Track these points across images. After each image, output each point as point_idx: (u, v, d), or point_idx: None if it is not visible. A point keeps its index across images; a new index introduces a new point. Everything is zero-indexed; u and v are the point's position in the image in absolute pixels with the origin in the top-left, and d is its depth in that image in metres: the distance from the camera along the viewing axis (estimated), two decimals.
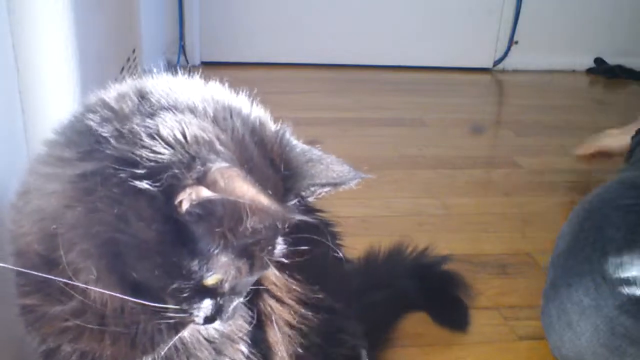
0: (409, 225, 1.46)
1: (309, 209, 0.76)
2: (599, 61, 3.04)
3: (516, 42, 2.96)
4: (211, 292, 0.51)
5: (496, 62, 3.00)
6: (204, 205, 0.46)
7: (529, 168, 1.86)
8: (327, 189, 0.58)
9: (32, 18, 0.85)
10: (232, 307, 0.54)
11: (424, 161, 1.87)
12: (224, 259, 0.49)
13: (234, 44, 2.71)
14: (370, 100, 2.46)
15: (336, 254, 0.77)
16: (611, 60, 3.01)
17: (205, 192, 0.46)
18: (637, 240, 0.93)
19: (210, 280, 0.50)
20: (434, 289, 1.11)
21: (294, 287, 0.66)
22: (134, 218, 0.46)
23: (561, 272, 1.00)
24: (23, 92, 0.86)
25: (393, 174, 1.76)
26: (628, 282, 0.91)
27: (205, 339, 0.59)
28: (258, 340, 0.63)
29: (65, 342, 0.54)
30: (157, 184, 0.46)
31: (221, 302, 0.53)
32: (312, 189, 0.57)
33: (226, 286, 0.52)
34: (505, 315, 1.15)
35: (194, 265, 0.48)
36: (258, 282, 0.61)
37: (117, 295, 0.49)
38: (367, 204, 1.56)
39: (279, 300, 0.65)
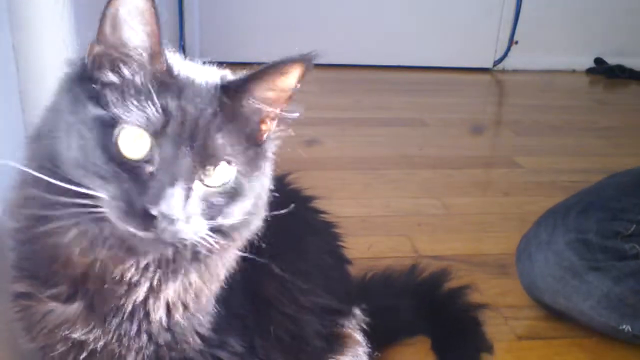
0: (408, 225, 1.46)
1: (313, 211, 0.77)
2: (599, 61, 3.04)
3: (516, 42, 2.97)
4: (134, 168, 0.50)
5: (496, 62, 3.00)
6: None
7: (529, 168, 1.86)
8: None
9: (32, 18, 0.85)
10: (164, 190, 0.50)
11: (424, 161, 1.87)
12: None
13: (234, 44, 2.70)
14: (370, 100, 2.46)
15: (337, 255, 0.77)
16: (611, 60, 3.01)
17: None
18: (607, 207, 1.09)
19: (122, 137, 0.50)
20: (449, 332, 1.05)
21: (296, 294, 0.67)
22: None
23: (541, 216, 1.16)
24: (23, 92, 0.86)
25: (393, 174, 1.76)
26: (581, 228, 1.06)
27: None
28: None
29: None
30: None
31: (150, 181, 0.50)
32: None
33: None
34: (505, 315, 1.15)
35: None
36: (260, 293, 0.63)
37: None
38: (367, 204, 1.56)
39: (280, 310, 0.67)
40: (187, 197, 0.51)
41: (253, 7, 2.70)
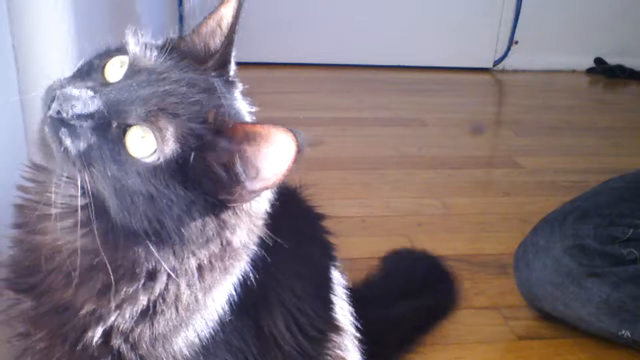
0: (408, 225, 1.46)
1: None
2: (599, 61, 3.04)
3: (516, 42, 2.96)
4: None
5: (496, 62, 3.00)
6: None
7: (529, 168, 1.86)
8: None
9: (32, 18, 0.85)
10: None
11: (424, 161, 1.87)
12: None
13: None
14: (370, 100, 2.46)
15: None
16: (611, 60, 3.01)
17: None
18: (604, 213, 1.09)
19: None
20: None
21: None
22: None
23: (537, 223, 1.16)
24: (23, 92, 0.86)
25: (393, 174, 1.76)
26: (578, 234, 1.07)
27: None
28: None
29: None
30: None
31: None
32: None
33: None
34: (505, 315, 1.15)
35: None
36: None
37: None
38: (367, 204, 1.56)
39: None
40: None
41: (253, 7, 2.69)
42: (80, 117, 0.49)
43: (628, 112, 2.53)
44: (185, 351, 0.58)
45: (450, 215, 1.54)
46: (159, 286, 0.54)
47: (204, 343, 0.58)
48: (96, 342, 0.55)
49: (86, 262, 0.53)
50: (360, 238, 1.36)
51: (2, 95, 0.83)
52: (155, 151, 0.49)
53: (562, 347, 1.08)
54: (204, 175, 0.51)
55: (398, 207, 1.56)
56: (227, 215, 0.53)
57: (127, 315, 0.55)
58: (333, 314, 0.72)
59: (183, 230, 0.51)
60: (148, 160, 0.49)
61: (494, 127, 2.37)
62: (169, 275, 0.53)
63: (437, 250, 1.22)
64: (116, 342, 0.55)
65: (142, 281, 0.53)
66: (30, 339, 0.57)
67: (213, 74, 0.56)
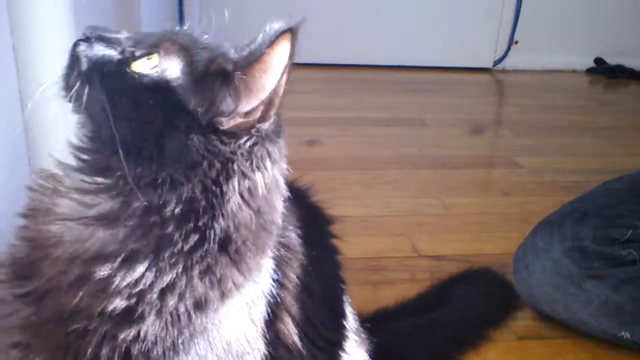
0: (408, 225, 1.46)
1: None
2: (599, 61, 3.04)
3: (516, 42, 2.97)
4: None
5: (496, 62, 3.00)
6: None
7: (529, 168, 1.85)
8: None
9: (32, 18, 0.85)
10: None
11: (424, 161, 1.87)
12: None
13: (234, 44, 2.70)
14: (370, 100, 2.46)
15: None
16: (611, 60, 3.01)
17: None
18: (603, 214, 1.09)
19: None
20: None
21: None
22: None
23: (536, 226, 1.16)
24: (23, 92, 0.86)
25: (393, 174, 1.76)
26: (577, 236, 1.06)
27: None
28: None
29: None
30: None
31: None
32: None
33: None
34: None
35: None
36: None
37: None
38: (367, 204, 1.56)
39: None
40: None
41: (253, 7, 2.69)
42: (100, 37, 0.54)
43: (628, 112, 2.53)
44: None
45: (450, 215, 1.54)
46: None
47: None
48: (104, 355, 0.51)
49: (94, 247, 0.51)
50: (360, 238, 1.36)
51: (2, 95, 0.83)
52: (156, 66, 0.52)
53: (562, 347, 1.08)
54: (197, 97, 0.52)
55: (398, 207, 1.55)
56: (218, 141, 0.52)
57: (147, 323, 0.51)
58: (345, 324, 0.72)
59: (163, 143, 0.51)
60: (147, 73, 0.52)
61: (494, 127, 2.37)
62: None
63: (437, 250, 1.22)
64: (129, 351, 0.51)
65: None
66: (29, 349, 0.54)
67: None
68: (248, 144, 0.52)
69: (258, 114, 0.52)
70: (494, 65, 3.00)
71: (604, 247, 1.06)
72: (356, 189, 1.64)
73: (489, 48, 2.97)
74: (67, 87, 0.54)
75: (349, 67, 2.80)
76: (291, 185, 0.70)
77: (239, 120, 0.52)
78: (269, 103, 0.52)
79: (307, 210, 0.71)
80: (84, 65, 0.53)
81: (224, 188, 0.51)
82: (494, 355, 1.04)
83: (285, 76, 0.52)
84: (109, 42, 0.54)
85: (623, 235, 1.06)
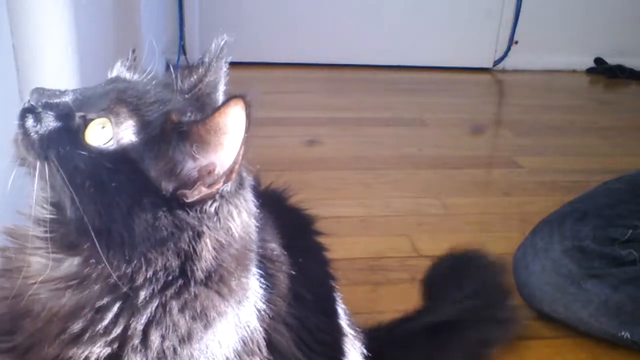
0: (408, 225, 1.46)
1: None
2: (599, 61, 3.04)
3: (516, 42, 2.96)
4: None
5: (496, 62, 3.00)
6: None
7: (529, 168, 1.86)
8: None
9: (32, 18, 0.85)
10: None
11: (424, 161, 1.87)
12: None
13: (233, 44, 2.70)
14: (370, 100, 2.46)
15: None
16: (611, 60, 3.01)
17: None
18: (603, 214, 1.10)
19: None
20: None
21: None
22: None
23: (536, 225, 1.16)
24: (23, 92, 0.86)
25: (393, 174, 1.76)
26: (577, 236, 1.07)
27: None
28: None
29: None
30: None
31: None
32: None
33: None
34: None
35: None
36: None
37: None
38: (367, 204, 1.55)
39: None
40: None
41: (253, 7, 2.69)
42: (47, 105, 0.52)
43: (628, 112, 2.53)
44: None
45: (450, 215, 1.54)
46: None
47: None
48: None
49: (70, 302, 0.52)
50: (360, 238, 1.36)
51: (2, 95, 0.83)
52: (111, 139, 0.50)
53: (562, 347, 1.08)
54: (157, 164, 0.51)
55: (398, 207, 1.55)
56: (184, 214, 0.51)
57: None
58: (338, 323, 0.71)
59: (132, 224, 0.50)
60: (104, 146, 0.51)
61: (494, 127, 2.37)
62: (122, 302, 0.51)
63: (437, 250, 1.21)
64: None
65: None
66: None
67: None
68: (214, 206, 0.52)
69: (221, 184, 0.51)
70: (494, 65, 3.00)
71: (604, 246, 1.06)
72: (356, 189, 1.64)
73: (489, 48, 2.97)
74: (24, 162, 0.53)
75: (349, 67, 2.80)
76: (267, 189, 0.70)
77: (203, 190, 0.51)
78: (229, 172, 0.51)
79: (286, 214, 0.71)
80: (36, 143, 0.51)
81: (197, 248, 0.52)
82: (494, 356, 1.03)
83: (243, 147, 0.50)
84: (57, 109, 0.52)
85: (623, 235, 1.06)
